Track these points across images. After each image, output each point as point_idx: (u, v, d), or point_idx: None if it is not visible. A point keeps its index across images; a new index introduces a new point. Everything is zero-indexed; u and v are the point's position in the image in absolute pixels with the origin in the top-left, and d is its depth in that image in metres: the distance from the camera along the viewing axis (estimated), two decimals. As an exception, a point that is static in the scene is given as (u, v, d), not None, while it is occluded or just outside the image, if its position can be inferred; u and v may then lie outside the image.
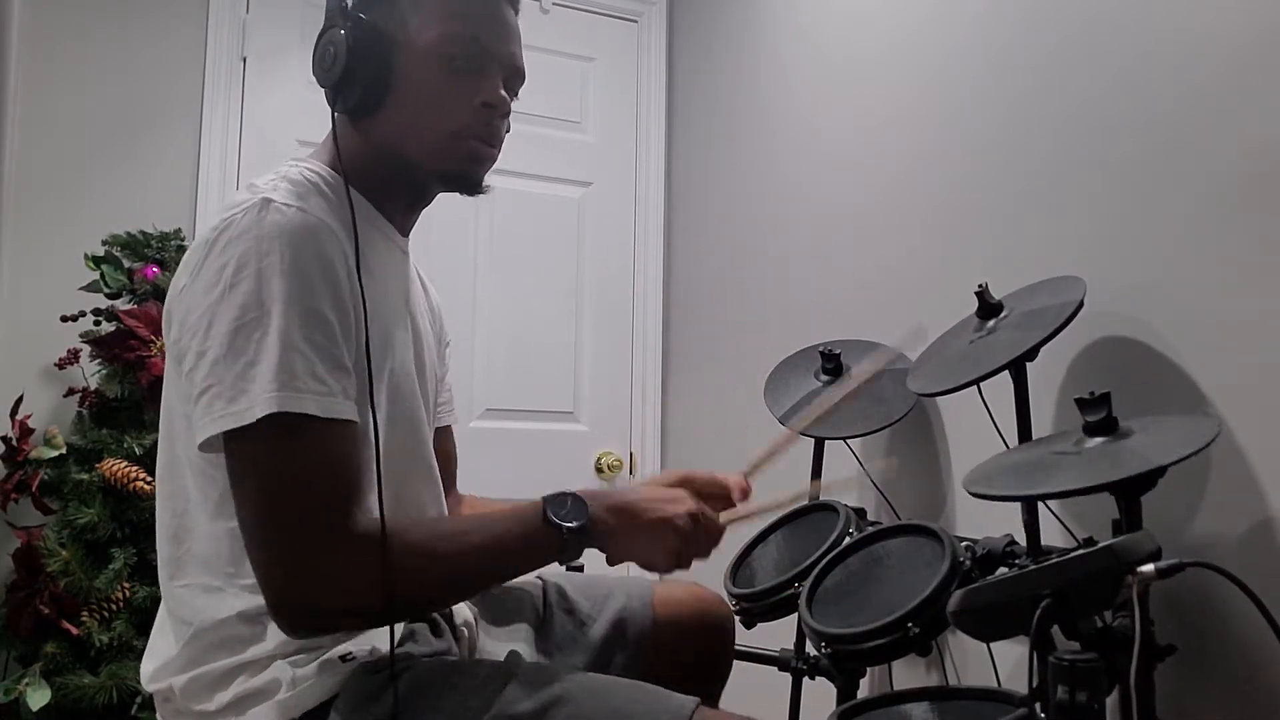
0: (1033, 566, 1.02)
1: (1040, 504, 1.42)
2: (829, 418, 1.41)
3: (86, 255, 2.19)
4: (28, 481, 2.06)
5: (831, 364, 1.80)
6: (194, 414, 0.91)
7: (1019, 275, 1.58)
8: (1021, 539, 1.37)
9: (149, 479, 2.02)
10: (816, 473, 1.87)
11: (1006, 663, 1.58)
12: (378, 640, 0.99)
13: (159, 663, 1.02)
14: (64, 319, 2.16)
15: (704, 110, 2.80)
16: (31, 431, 2.13)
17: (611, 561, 1.03)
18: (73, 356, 2.18)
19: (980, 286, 1.52)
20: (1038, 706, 0.93)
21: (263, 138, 2.51)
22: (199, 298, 0.93)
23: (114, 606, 1.99)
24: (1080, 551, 0.96)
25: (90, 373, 2.18)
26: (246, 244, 0.92)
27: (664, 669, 1.13)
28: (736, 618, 1.46)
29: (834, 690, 1.62)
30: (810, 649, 1.63)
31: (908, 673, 1.82)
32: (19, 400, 2.15)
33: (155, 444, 2.06)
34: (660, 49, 2.97)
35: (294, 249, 0.92)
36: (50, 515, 2.07)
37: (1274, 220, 1.29)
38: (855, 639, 1.26)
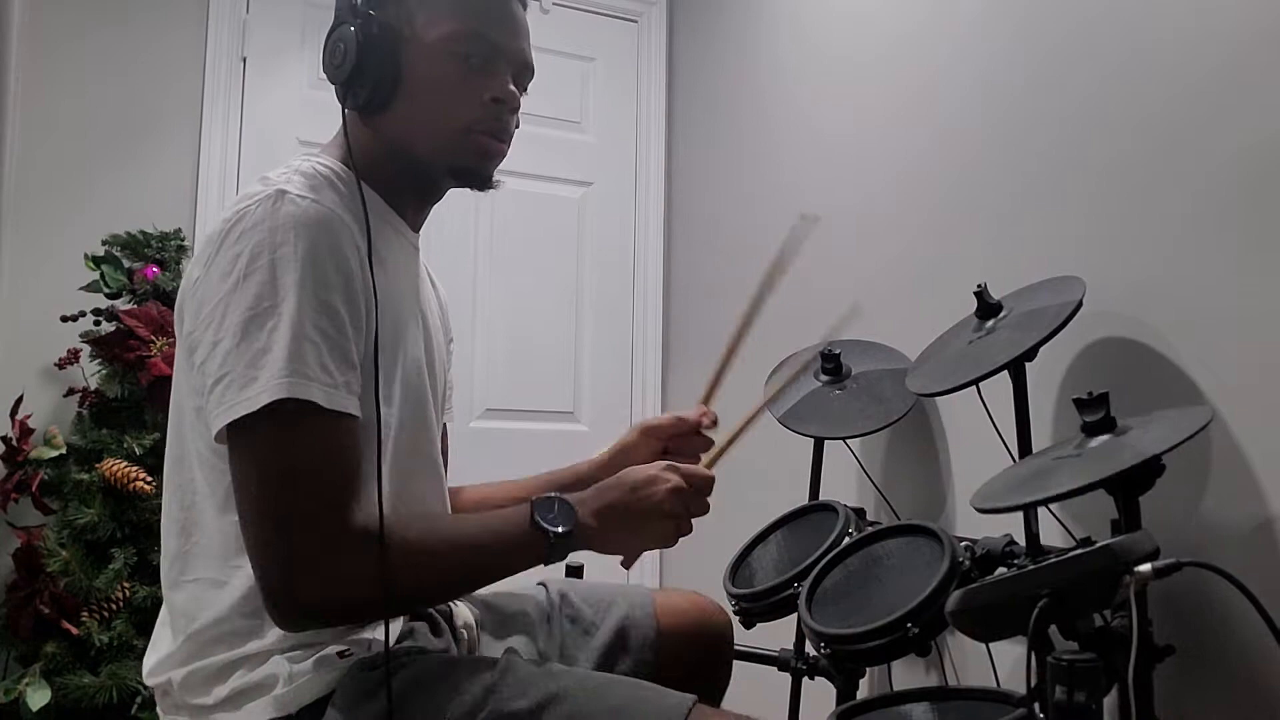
0: (1031, 566, 1.02)
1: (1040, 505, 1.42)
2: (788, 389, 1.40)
3: (86, 255, 2.19)
4: (28, 481, 2.06)
5: (831, 364, 1.80)
6: (208, 405, 0.92)
7: (1018, 275, 1.58)
8: (1021, 539, 1.37)
9: (149, 479, 2.03)
10: (816, 473, 1.87)
11: (1005, 663, 1.58)
12: (375, 637, 0.99)
13: (159, 657, 1.02)
14: (64, 319, 2.16)
15: (704, 110, 2.80)
16: (31, 431, 2.13)
17: (599, 551, 1.04)
18: (73, 356, 2.18)
19: (979, 286, 1.52)
20: (1036, 706, 0.93)
21: (263, 138, 2.51)
22: (213, 288, 0.93)
23: (114, 606, 1.99)
24: (1078, 551, 0.96)
25: (90, 373, 2.18)
26: (261, 234, 0.92)
27: (665, 677, 1.13)
28: (736, 619, 1.46)
29: (834, 690, 1.62)
30: (810, 649, 1.63)
31: (907, 673, 1.82)
32: (19, 400, 2.15)
33: (155, 444, 2.07)
34: (660, 49, 2.97)
35: (308, 240, 0.92)
36: (50, 515, 2.07)
37: (1273, 219, 1.29)
38: (855, 639, 1.26)
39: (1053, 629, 0.96)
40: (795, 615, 1.44)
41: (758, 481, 2.31)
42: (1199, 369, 1.37)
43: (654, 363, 2.87)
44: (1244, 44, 1.34)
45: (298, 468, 0.89)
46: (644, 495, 1.02)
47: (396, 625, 1.00)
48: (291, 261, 0.91)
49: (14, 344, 2.22)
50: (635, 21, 2.97)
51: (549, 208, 2.81)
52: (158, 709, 1.04)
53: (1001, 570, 1.31)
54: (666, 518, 1.03)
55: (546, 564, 1.00)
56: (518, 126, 1.12)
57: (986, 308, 1.52)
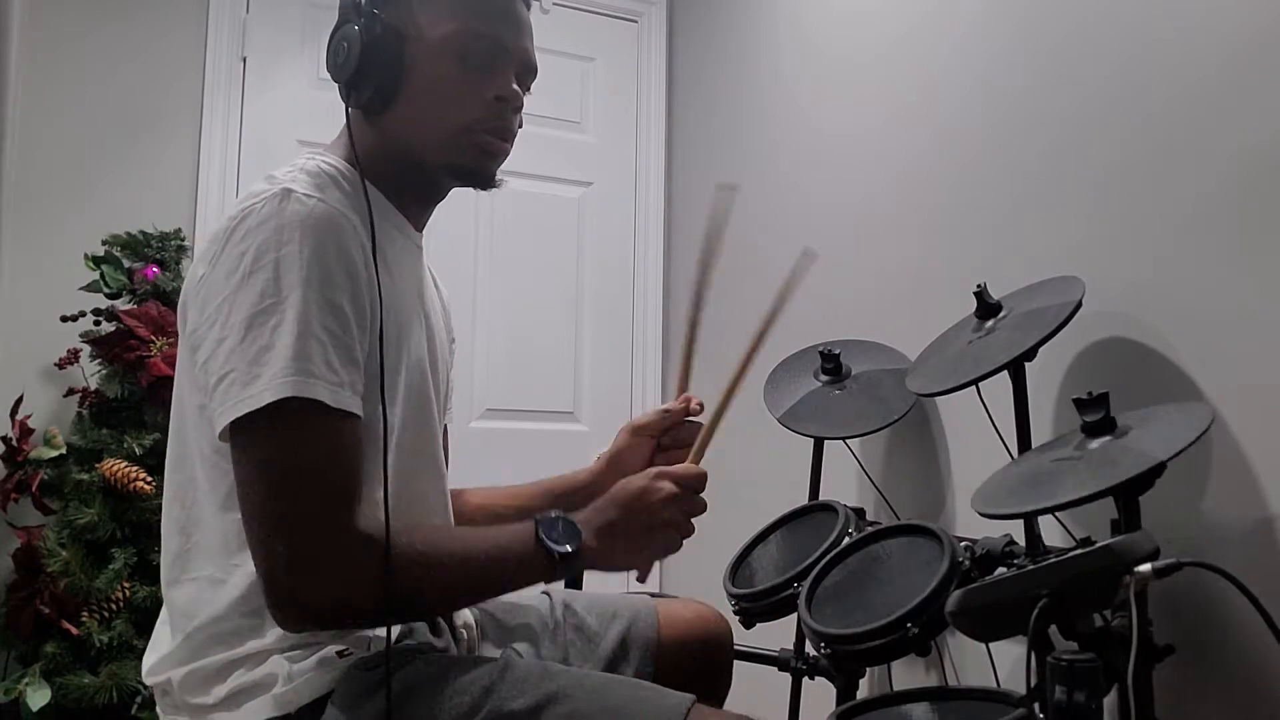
0: (1031, 567, 1.02)
1: (1039, 504, 1.42)
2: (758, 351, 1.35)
3: (86, 255, 2.19)
4: (28, 481, 2.06)
5: (831, 364, 1.80)
6: (211, 403, 0.92)
7: (1018, 275, 1.58)
8: (1020, 539, 1.37)
9: (149, 479, 2.02)
10: (816, 473, 1.87)
11: (1005, 663, 1.58)
12: (375, 634, 0.99)
13: (159, 656, 1.02)
14: (64, 319, 2.16)
15: (704, 110, 2.80)
16: (31, 431, 2.13)
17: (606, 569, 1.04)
18: (73, 356, 2.18)
19: (979, 286, 1.52)
20: (1036, 707, 0.93)
21: (263, 138, 2.51)
22: (218, 285, 0.93)
23: (114, 606, 1.99)
24: (1078, 551, 0.96)
25: (90, 373, 2.18)
26: (266, 233, 0.92)
27: (665, 684, 1.13)
28: (736, 619, 1.46)
29: (834, 690, 1.62)
30: (810, 649, 1.63)
31: (907, 673, 1.82)
32: (19, 400, 2.15)
33: (155, 444, 2.07)
34: (660, 49, 2.97)
35: (314, 239, 0.92)
36: (50, 515, 2.07)
37: (1273, 220, 1.29)
38: (854, 639, 1.26)
39: (1053, 629, 0.96)
40: (795, 615, 1.44)
41: (758, 481, 2.31)
42: (1199, 369, 1.37)
43: (654, 363, 2.87)
44: (1244, 44, 1.34)
45: (301, 466, 0.89)
46: (639, 509, 1.02)
47: (396, 625, 1.00)
48: (297, 260, 0.91)
49: (14, 344, 2.22)
50: (635, 21, 2.97)
51: (549, 208, 2.81)
52: (157, 708, 1.04)
53: (1001, 570, 1.31)
54: (666, 527, 1.02)
55: (548, 583, 1.00)
56: (521, 126, 1.12)
57: (986, 308, 1.52)
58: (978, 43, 1.81)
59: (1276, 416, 1.27)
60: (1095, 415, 1.20)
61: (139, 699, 1.94)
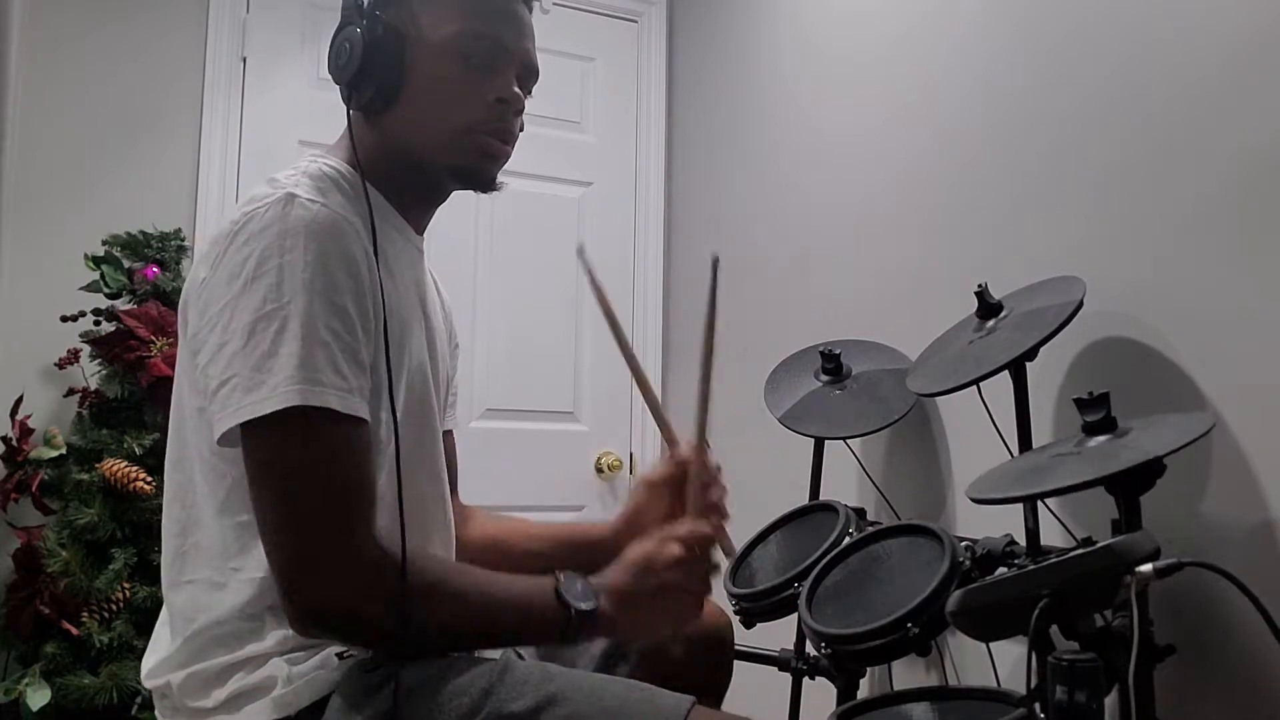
0: (1031, 566, 1.02)
1: (1040, 504, 1.42)
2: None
3: (86, 255, 2.19)
4: (28, 481, 2.06)
5: (831, 364, 1.80)
6: (211, 407, 0.92)
7: (1018, 275, 1.58)
8: (1021, 539, 1.37)
9: (149, 479, 2.02)
10: (816, 473, 1.87)
11: (1006, 663, 1.58)
12: None
13: (158, 659, 1.02)
14: (64, 319, 2.16)
15: (704, 110, 2.80)
16: (31, 431, 2.13)
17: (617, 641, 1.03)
18: (73, 356, 2.18)
19: (980, 286, 1.52)
20: (1037, 706, 0.93)
21: (262, 138, 2.51)
22: (220, 290, 0.93)
23: (114, 607, 1.99)
24: (1079, 551, 0.96)
25: (90, 373, 2.18)
26: (270, 238, 0.92)
27: (665, 682, 1.12)
28: (736, 619, 1.46)
29: (834, 690, 1.62)
30: (810, 649, 1.63)
31: (908, 673, 1.82)
32: (19, 400, 2.15)
33: (155, 444, 2.07)
34: (660, 49, 2.97)
35: (318, 244, 0.92)
36: (50, 515, 2.07)
37: (1273, 220, 1.29)
38: (855, 639, 1.26)
39: (1053, 629, 0.96)
40: (795, 615, 1.44)
41: (758, 481, 2.31)
42: (1199, 369, 1.37)
43: (654, 363, 2.86)
44: (1244, 44, 1.34)
45: (318, 473, 0.89)
46: (648, 575, 1.00)
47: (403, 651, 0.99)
48: (301, 266, 0.91)
49: (14, 344, 2.22)
50: (635, 21, 2.97)
51: (549, 208, 2.81)
52: (156, 712, 1.04)
53: (1002, 570, 1.31)
54: (679, 592, 1.01)
55: (560, 642, 0.99)
56: (522, 129, 1.12)
57: (987, 308, 1.52)
58: (978, 43, 1.81)
59: (1276, 416, 1.27)
60: (1096, 415, 1.20)
61: (139, 699, 1.94)
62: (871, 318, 2.02)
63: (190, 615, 0.98)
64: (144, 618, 2.00)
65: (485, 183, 1.10)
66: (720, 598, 1.46)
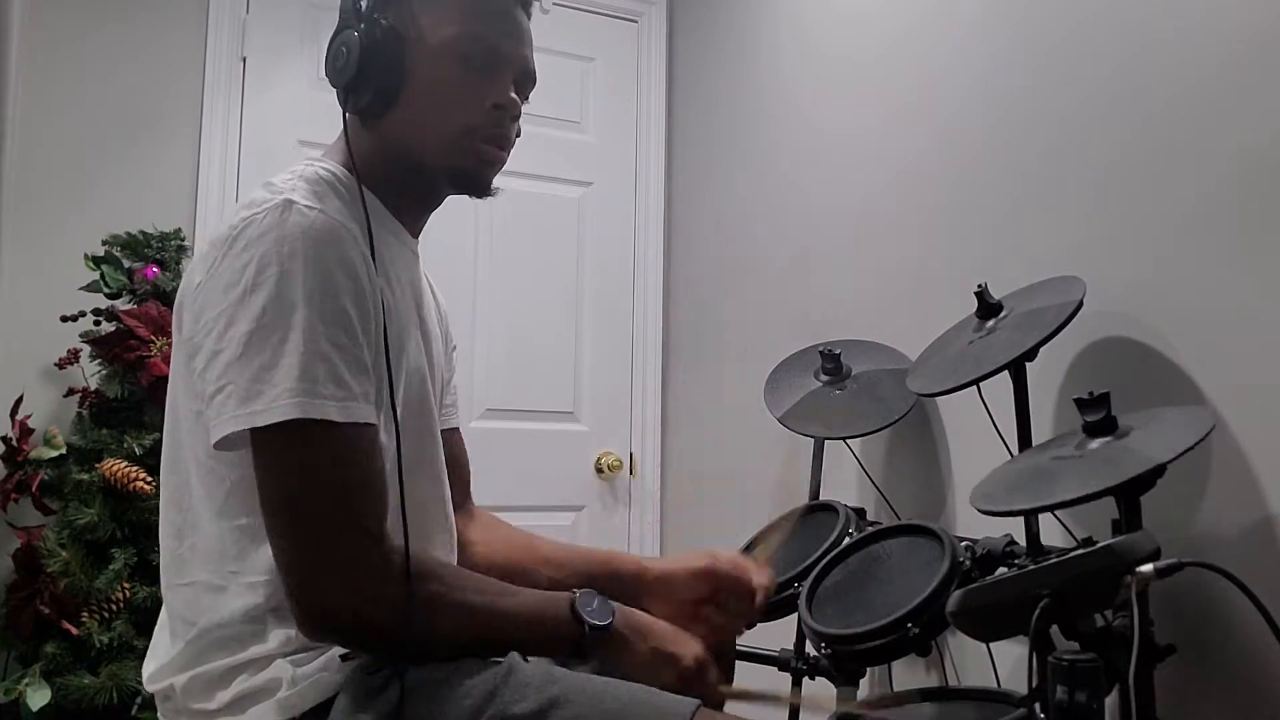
0: (1032, 566, 1.02)
1: (1040, 504, 1.42)
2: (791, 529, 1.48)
3: (86, 255, 2.19)
4: (28, 481, 2.06)
5: (831, 364, 1.80)
6: (208, 412, 0.91)
7: (1018, 275, 1.58)
8: (1021, 539, 1.37)
9: (149, 479, 2.02)
10: (816, 473, 1.87)
11: (1006, 663, 1.58)
12: None
13: (160, 662, 1.02)
14: (64, 319, 2.16)
15: (704, 110, 2.80)
16: (31, 431, 2.13)
17: (607, 673, 1.02)
18: (73, 356, 2.18)
19: (980, 286, 1.52)
20: (1037, 706, 0.93)
21: (262, 138, 2.51)
22: (216, 296, 0.93)
23: (114, 607, 1.99)
24: (1079, 551, 0.96)
25: (90, 373, 2.18)
26: (268, 244, 0.92)
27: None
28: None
29: (834, 690, 1.62)
30: (810, 649, 1.63)
31: (907, 673, 1.82)
32: (19, 400, 2.15)
33: (155, 444, 2.07)
34: (660, 49, 2.97)
35: (317, 251, 0.92)
36: (50, 515, 2.07)
37: (1273, 220, 1.29)
38: (855, 639, 1.26)
39: (1054, 629, 0.96)
40: (795, 615, 1.44)
41: (758, 481, 2.31)
42: (1199, 369, 1.37)
43: (654, 363, 2.87)
44: (1244, 44, 1.34)
45: (321, 483, 0.89)
46: (675, 640, 1.03)
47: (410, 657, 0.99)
48: (300, 274, 0.91)
49: (14, 344, 2.22)
50: (635, 21, 2.97)
51: (549, 208, 2.81)
52: (159, 715, 1.04)
53: (1002, 570, 1.31)
54: (678, 672, 1.02)
55: (573, 657, 0.99)
56: (518, 135, 1.12)
57: (987, 308, 1.52)
58: (978, 43, 1.82)
59: (1276, 416, 1.27)
60: (1096, 415, 1.20)
61: (139, 699, 1.94)
62: (871, 318, 2.02)
63: (191, 618, 0.98)
64: (144, 618, 2.00)
65: (481, 188, 1.10)
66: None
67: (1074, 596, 0.92)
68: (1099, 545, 0.94)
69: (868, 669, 1.76)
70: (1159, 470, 1.12)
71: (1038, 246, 1.64)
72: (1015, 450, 1.47)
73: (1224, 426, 1.31)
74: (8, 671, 2.03)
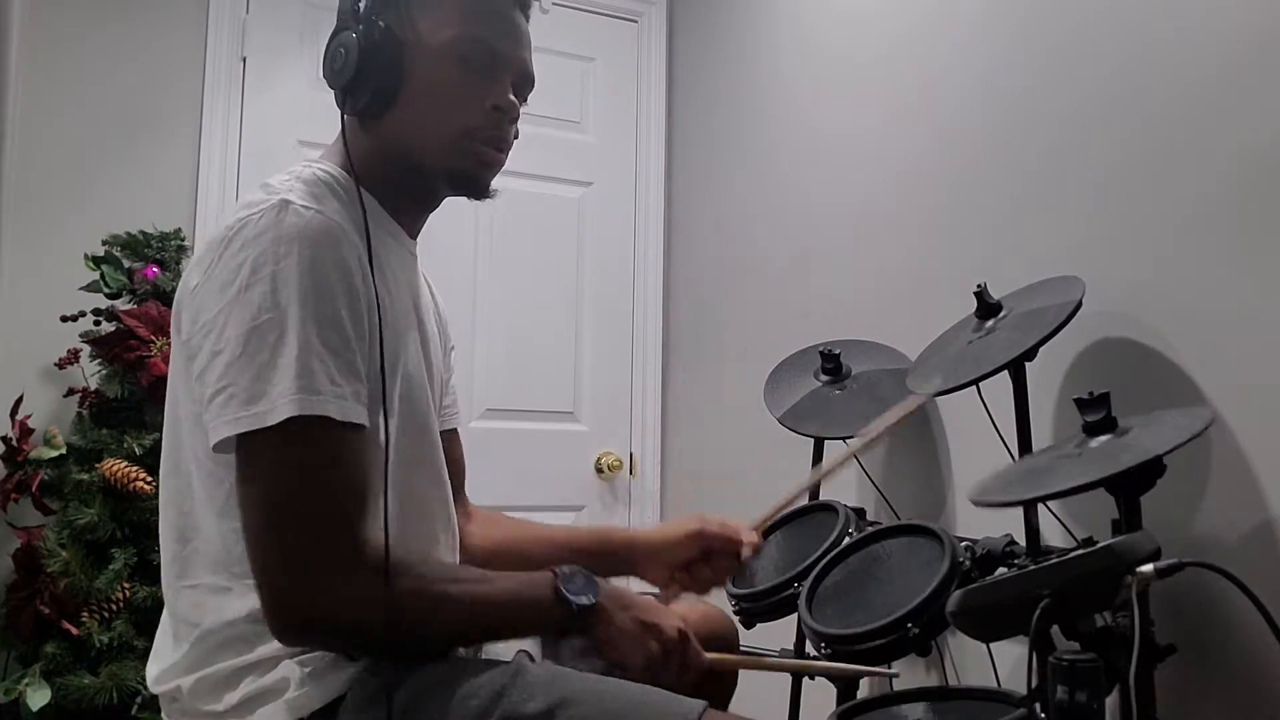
0: (1032, 566, 1.02)
1: (1040, 504, 1.42)
2: (840, 470, 1.45)
3: (86, 255, 2.19)
4: (28, 481, 2.06)
5: (831, 364, 1.80)
6: (207, 415, 0.91)
7: (1018, 275, 1.58)
8: (1021, 539, 1.37)
9: (149, 479, 2.02)
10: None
11: (1006, 663, 1.58)
12: None
13: (165, 664, 1.01)
14: (64, 319, 2.16)
15: (704, 110, 2.80)
16: (31, 431, 2.13)
17: (592, 648, 1.03)
18: (73, 356, 2.18)
19: (979, 286, 1.52)
20: (1037, 707, 0.93)
21: (263, 138, 2.51)
22: (213, 297, 0.93)
23: (114, 607, 1.99)
24: (1079, 551, 0.96)
25: (90, 373, 2.18)
26: (263, 245, 0.92)
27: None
28: (736, 619, 1.46)
29: (834, 690, 1.62)
30: (810, 649, 1.63)
31: (908, 673, 1.82)
32: (19, 400, 2.15)
33: (155, 444, 2.07)
34: (660, 49, 2.97)
35: (312, 251, 0.92)
36: (50, 515, 2.07)
37: (1273, 220, 1.29)
38: (855, 639, 1.26)
39: (1054, 629, 0.96)
40: (795, 615, 1.44)
41: (758, 481, 2.31)
42: (1199, 369, 1.37)
43: (654, 363, 2.87)
44: (1244, 44, 1.34)
45: (312, 481, 0.89)
46: (657, 612, 1.03)
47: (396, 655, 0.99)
48: (294, 274, 0.91)
49: (14, 344, 2.22)
50: (635, 21, 2.97)
51: (549, 208, 2.81)
52: (163, 717, 1.04)
53: (1002, 570, 1.31)
54: (660, 642, 1.02)
55: (559, 636, 1.00)
56: (517, 136, 1.12)
57: (986, 308, 1.52)
58: (978, 43, 1.82)
59: (1276, 416, 1.27)
60: (1096, 415, 1.21)
61: (139, 699, 1.94)
62: (871, 318, 2.02)
63: (196, 619, 0.98)
64: (144, 618, 2.00)
65: (479, 190, 1.10)
66: (720, 600, 1.47)
67: (1074, 596, 0.92)
68: (1099, 545, 0.94)
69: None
70: (1158, 467, 1.12)
71: (1038, 246, 1.64)
72: (1015, 450, 1.47)
73: (1224, 426, 1.32)
74: (8, 671, 2.03)
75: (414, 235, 1.16)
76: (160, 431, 2.09)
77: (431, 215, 1.18)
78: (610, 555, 1.26)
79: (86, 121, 2.37)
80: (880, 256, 2.03)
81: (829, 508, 1.64)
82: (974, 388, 1.46)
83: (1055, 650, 0.92)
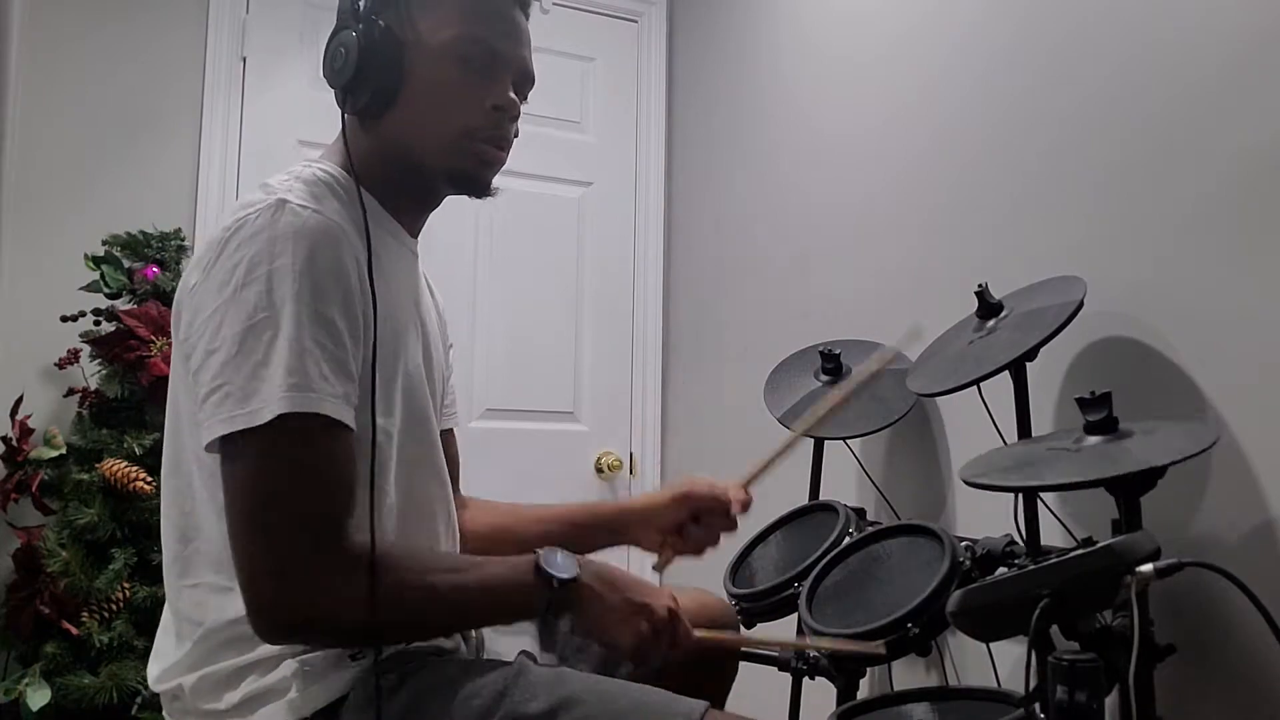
0: (1032, 566, 1.02)
1: (1039, 504, 1.42)
2: (829, 419, 1.43)
3: (86, 255, 2.19)
4: (28, 481, 2.06)
5: (831, 364, 1.80)
6: (201, 414, 0.91)
7: (1018, 275, 1.58)
8: (1019, 537, 1.37)
9: (149, 479, 2.02)
10: (816, 473, 1.87)
11: (1006, 663, 1.58)
12: None
13: (166, 664, 1.01)
14: (64, 319, 2.16)
15: (704, 110, 2.80)
16: (31, 431, 2.13)
17: (581, 630, 1.02)
18: (73, 356, 2.18)
19: (980, 286, 1.52)
20: (1037, 707, 0.93)
21: (262, 138, 2.51)
22: (210, 296, 0.93)
23: (114, 607, 1.99)
24: (1079, 551, 0.96)
25: (90, 373, 2.18)
26: (260, 244, 0.92)
27: (670, 676, 1.13)
28: (738, 618, 1.46)
29: (834, 690, 1.62)
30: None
31: (907, 673, 1.82)
32: (19, 400, 2.15)
33: (155, 444, 2.07)
34: (660, 49, 2.97)
35: (308, 251, 0.92)
36: (50, 515, 2.07)
37: (1273, 220, 1.29)
38: (854, 639, 1.26)
39: (1054, 629, 0.96)
40: (795, 615, 1.44)
41: (758, 481, 2.31)
42: (1199, 369, 1.37)
43: (654, 363, 2.87)
44: (1244, 44, 1.34)
45: (300, 478, 0.89)
46: (644, 589, 1.02)
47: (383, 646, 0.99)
48: (289, 273, 0.91)
49: (14, 344, 2.22)
50: (635, 21, 2.97)
51: (549, 208, 2.81)
52: (165, 716, 1.04)
53: (1002, 570, 1.31)
54: (649, 621, 1.01)
55: (544, 612, 0.98)
56: (517, 134, 1.12)
57: (987, 308, 1.52)
58: (978, 43, 1.82)
59: (1277, 417, 1.27)
60: (1098, 415, 1.21)
61: (139, 699, 1.94)
62: (871, 318, 2.02)
63: (198, 619, 0.98)
64: (144, 618, 2.00)
65: (480, 188, 1.10)
66: (720, 597, 1.46)
67: (1074, 596, 0.92)
68: (1099, 545, 0.94)
69: (868, 669, 1.76)
70: (1157, 471, 1.12)
71: (1038, 246, 1.64)
72: (1015, 450, 1.47)
73: (1224, 427, 1.32)
74: (8, 671, 2.03)
75: (415, 234, 1.16)
76: (160, 431, 2.10)
77: (432, 215, 1.18)
78: (601, 526, 1.27)
79: (86, 121, 2.37)
80: (880, 256, 2.03)
81: (829, 508, 1.64)
82: (975, 388, 1.46)
83: (1055, 650, 0.92)
